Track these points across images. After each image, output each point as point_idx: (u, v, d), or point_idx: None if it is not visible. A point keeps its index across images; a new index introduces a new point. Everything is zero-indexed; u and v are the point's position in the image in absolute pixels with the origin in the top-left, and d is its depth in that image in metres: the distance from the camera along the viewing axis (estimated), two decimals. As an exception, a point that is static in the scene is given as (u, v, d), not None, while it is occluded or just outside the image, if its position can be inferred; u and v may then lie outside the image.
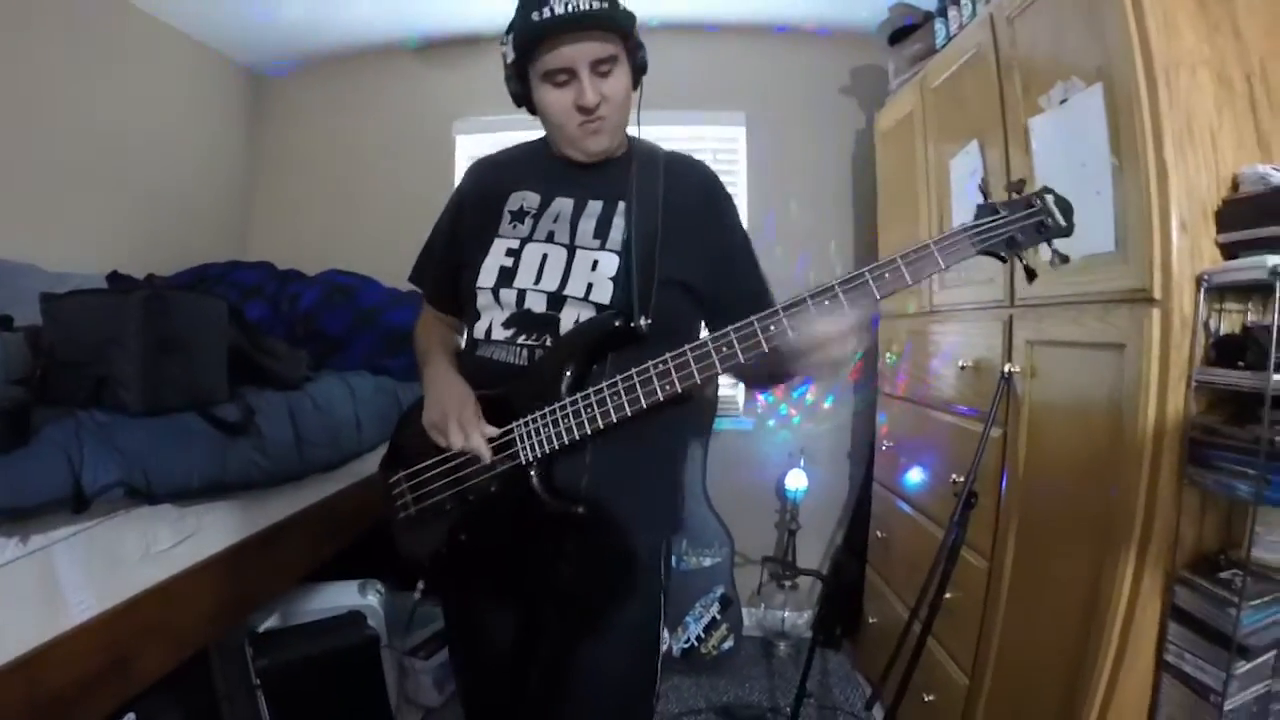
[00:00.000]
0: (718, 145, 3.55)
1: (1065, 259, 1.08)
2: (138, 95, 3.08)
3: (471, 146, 3.72)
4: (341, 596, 2.41)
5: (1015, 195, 1.07)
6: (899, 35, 2.89)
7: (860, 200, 3.47)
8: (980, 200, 1.09)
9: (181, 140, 3.38)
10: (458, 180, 3.78)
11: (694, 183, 1.39)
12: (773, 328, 1.09)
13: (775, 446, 3.50)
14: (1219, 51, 1.51)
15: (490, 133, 3.65)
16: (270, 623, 2.25)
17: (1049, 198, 1.05)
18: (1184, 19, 1.50)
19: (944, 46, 2.51)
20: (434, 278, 1.54)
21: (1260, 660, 1.34)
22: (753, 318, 1.10)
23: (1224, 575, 1.39)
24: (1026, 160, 1.90)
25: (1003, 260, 1.07)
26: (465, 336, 1.42)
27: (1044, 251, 1.09)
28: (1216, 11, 1.53)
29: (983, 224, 1.05)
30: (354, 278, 2.84)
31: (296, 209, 3.85)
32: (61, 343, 1.52)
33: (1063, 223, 1.04)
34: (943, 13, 2.54)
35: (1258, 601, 1.33)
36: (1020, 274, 1.11)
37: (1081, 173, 1.68)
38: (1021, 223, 1.04)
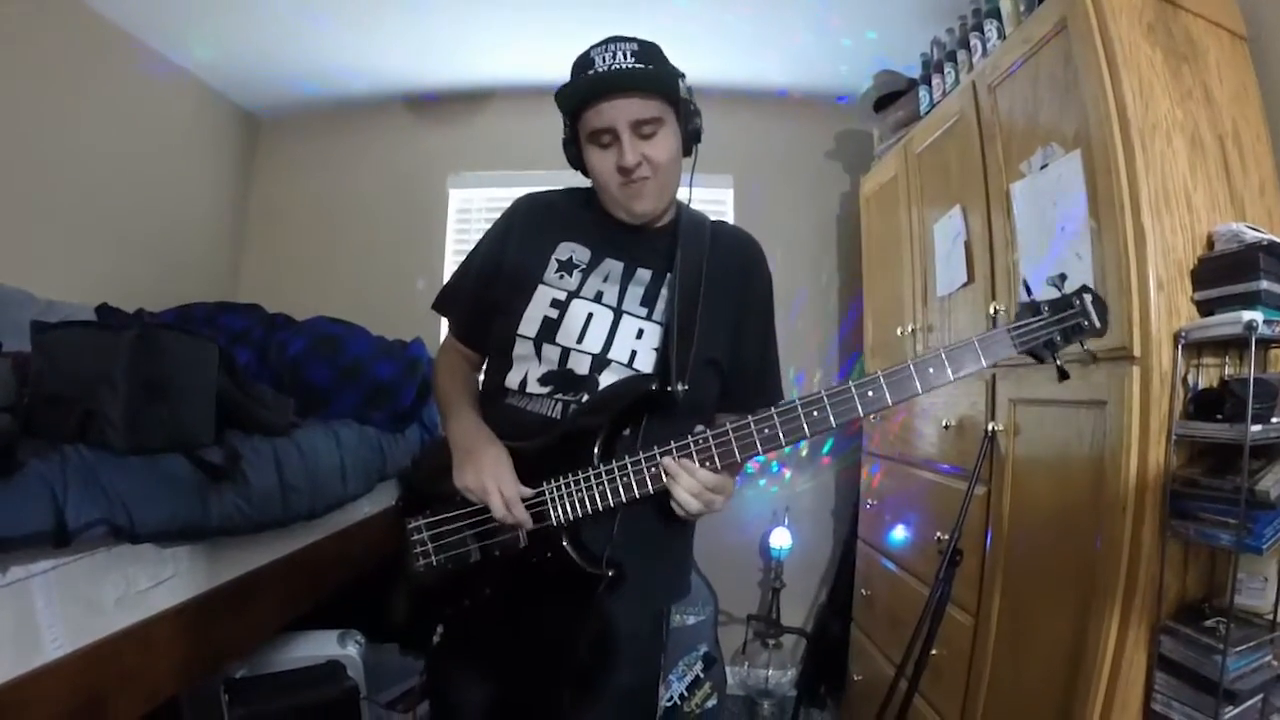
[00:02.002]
0: (705, 207, 3.58)
1: (1095, 357, 1.12)
2: (136, 127, 3.11)
3: (465, 201, 3.78)
4: (321, 646, 2.36)
5: (1057, 293, 1.08)
6: (884, 102, 2.98)
7: (845, 263, 3.54)
8: (1025, 297, 1.11)
9: (177, 176, 3.41)
10: (450, 233, 3.82)
11: (735, 259, 1.40)
12: (815, 413, 1.10)
13: (759, 504, 3.49)
14: (1192, 116, 1.58)
15: (484, 187, 3.72)
16: (247, 670, 2.20)
17: (1087, 298, 1.06)
18: (1158, 86, 1.57)
19: (927, 113, 2.60)
20: (464, 308, 1.48)
21: (1248, 704, 1.35)
22: (795, 400, 1.12)
23: (1208, 623, 1.40)
24: (1008, 224, 1.95)
25: (1040, 361, 1.08)
26: (491, 380, 1.38)
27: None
28: (1189, 78, 1.60)
29: (1024, 324, 1.07)
30: (342, 326, 2.83)
31: (288, 254, 3.87)
32: (49, 374, 1.51)
33: (1098, 324, 1.05)
34: (926, 80, 2.62)
35: (1242, 647, 1.34)
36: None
37: (1061, 236, 1.72)
38: (1060, 325, 1.06)
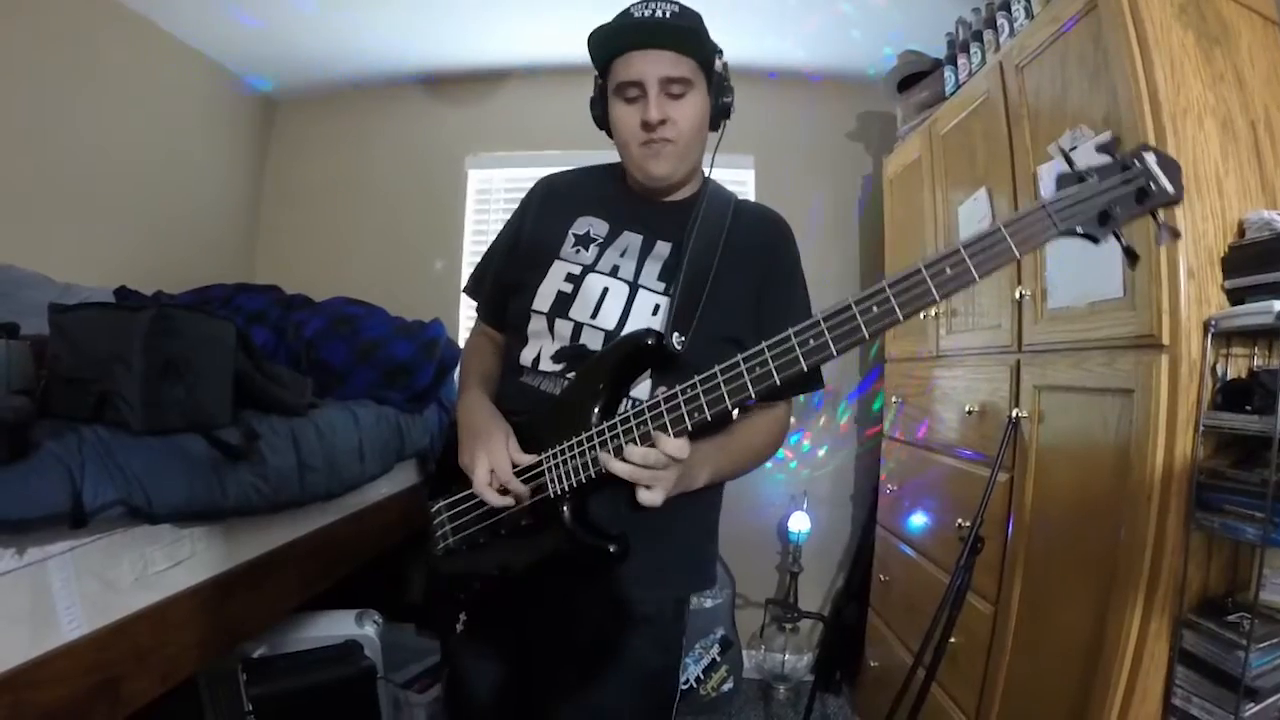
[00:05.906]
0: (725, 187, 3.56)
1: (1176, 234, 0.90)
2: (152, 110, 3.12)
3: (484, 181, 3.76)
4: (338, 626, 2.37)
5: (1111, 157, 0.86)
6: (908, 82, 2.93)
7: (867, 245, 3.50)
8: (1064, 168, 0.88)
9: (194, 159, 3.42)
10: (469, 214, 3.81)
11: (758, 236, 1.35)
12: (812, 341, 0.94)
13: (778, 488, 3.48)
14: (1224, 100, 1.54)
15: (503, 168, 3.70)
16: (265, 649, 2.22)
17: (1149, 157, 0.85)
18: (1190, 68, 1.52)
19: (953, 94, 2.55)
20: (489, 290, 1.46)
21: (1269, 702, 1.32)
22: (790, 331, 0.97)
23: (1231, 618, 1.38)
24: (1034, 206, 1.91)
25: (1095, 241, 0.86)
26: (509, 357, 1.35)
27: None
28: (1221, 61, 1.56)
29: (1066, 196, 0.85)
30: (360, 306, 2.83)
31: (306, 236, 3.86)
32: (66, 355, 1.51)
33: (1170, 189, 0.84)
34: (952, 60, 2.57)
35: (1265, 644, 1.32)
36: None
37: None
38: (1116, 191, 0.84)
